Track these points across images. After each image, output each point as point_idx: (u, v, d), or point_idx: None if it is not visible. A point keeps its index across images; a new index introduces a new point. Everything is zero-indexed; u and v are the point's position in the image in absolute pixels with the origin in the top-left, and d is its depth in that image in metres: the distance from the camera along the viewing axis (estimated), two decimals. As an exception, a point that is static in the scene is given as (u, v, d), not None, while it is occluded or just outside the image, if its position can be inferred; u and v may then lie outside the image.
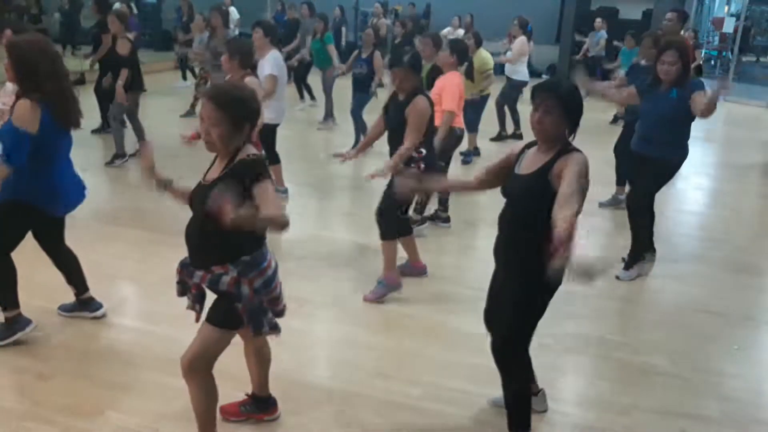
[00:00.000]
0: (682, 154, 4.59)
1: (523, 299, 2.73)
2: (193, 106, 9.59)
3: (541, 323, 3.03)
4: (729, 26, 18.38)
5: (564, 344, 3.81)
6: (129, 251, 4.83)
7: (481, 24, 11.59)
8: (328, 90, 9.39)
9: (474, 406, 3.19)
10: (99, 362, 3.46)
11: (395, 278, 4.31)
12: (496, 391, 3.22)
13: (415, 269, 4.60)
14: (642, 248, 4.79)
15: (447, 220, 5.65)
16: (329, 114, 9.49)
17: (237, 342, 2.69)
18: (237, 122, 2.38)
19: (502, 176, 2.79)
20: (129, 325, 3.85)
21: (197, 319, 2.61)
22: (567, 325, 3.99)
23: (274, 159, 5.90)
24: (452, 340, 3.80)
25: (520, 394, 2.85)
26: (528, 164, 2.65)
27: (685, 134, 4.55)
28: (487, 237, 5.45)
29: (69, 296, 3.85)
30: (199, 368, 2.54)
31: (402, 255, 4.60)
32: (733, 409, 3.31)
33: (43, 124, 3.23)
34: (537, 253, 2.63)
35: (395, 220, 4.26)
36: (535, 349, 2.87)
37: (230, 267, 2.43)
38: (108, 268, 4.38)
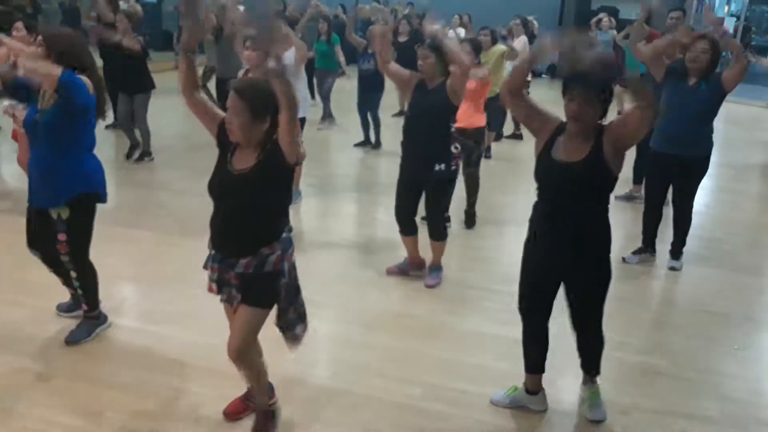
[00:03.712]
0: (710, 148, 4.67)
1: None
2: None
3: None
4: (729, 26, 18.38)
5: (564, 344, 3.80)
6: (129, 251, 4.82)
7: (480, 24, 11.56)
8: (326, 93, 9.21)
9: (474, 406, 3.18)
10: (99, 362, 3.46)
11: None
12: (497, 390, 3.24)
13: (413, 265, 4.61)
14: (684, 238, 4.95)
15: (447, 219, 5.63)
16: (328, 115, 9.42)
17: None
18: (258, 113, 2.46)
19: (533, 116, 2.94)
20: (129, 325, 3.84)
21: (235, 310, 2.68)
22: (567, 324, 3.98)
23: None
24: (453, 340, 3.80)
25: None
26: (570, 152, 2.73)
27: (711, 129, 4.64)
28: (488, 237, 5.51)
29: (66, 296, 3.85)
30: (247, 351, 2.67)
31: (401, 254, 4.61)
32: (733, 409, 3.31)
33: (93, 103, 3.34)
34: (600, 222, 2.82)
35: (443, 223, 4.59)
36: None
37: (276, 245, 2.56)
38: (108, 268, 4.36)
